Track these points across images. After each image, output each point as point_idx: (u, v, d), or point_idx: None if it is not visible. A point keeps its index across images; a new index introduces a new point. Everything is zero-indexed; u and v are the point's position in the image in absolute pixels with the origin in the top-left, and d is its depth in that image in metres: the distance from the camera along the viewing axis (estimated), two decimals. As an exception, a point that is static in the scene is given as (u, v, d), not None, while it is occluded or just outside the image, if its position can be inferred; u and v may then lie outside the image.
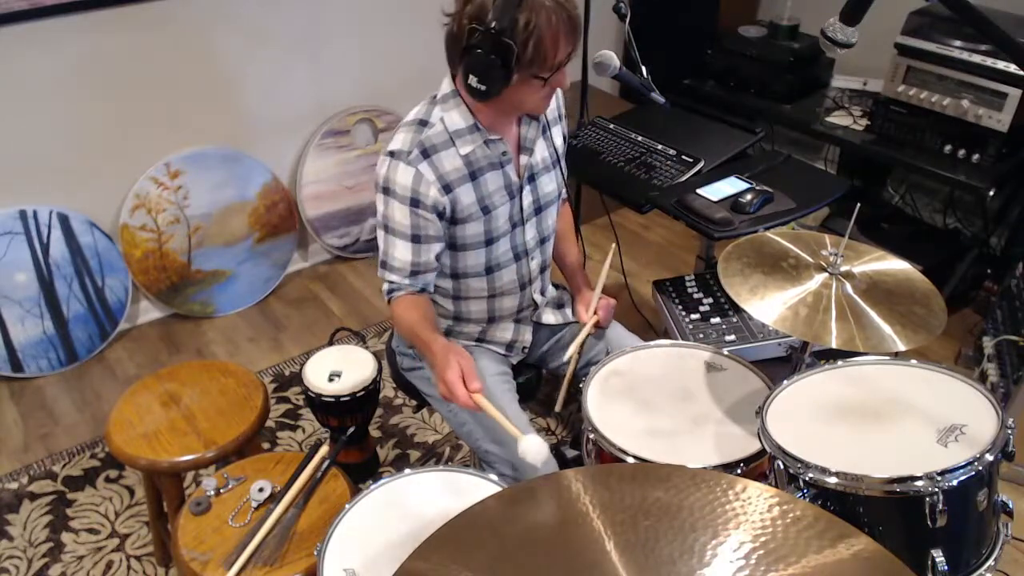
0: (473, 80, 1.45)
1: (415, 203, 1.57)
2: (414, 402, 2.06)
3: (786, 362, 2.02)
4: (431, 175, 1.57)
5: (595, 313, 1.82)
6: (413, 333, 1.60)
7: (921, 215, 3.27)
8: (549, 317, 1.91)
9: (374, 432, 2.53)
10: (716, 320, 2.11)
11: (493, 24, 1.38)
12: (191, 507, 1.60)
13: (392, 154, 1.58)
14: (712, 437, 1.53)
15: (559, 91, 1.79)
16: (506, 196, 1.67)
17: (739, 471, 1.44)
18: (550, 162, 1.75)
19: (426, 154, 1.57)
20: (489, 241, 1.69)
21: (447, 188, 1.59)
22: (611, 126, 2.49)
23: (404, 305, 1.64)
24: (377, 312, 3.11)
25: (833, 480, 1.25)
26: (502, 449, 1.69)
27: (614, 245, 2.00)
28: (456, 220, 1.64)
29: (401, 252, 1.61)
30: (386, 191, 1.58)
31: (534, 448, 1.32)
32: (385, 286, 1.67)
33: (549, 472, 1.57)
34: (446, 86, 1.60)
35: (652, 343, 1.79)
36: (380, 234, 1.64)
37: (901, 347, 1.40)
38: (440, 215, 1.60)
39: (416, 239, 1.60)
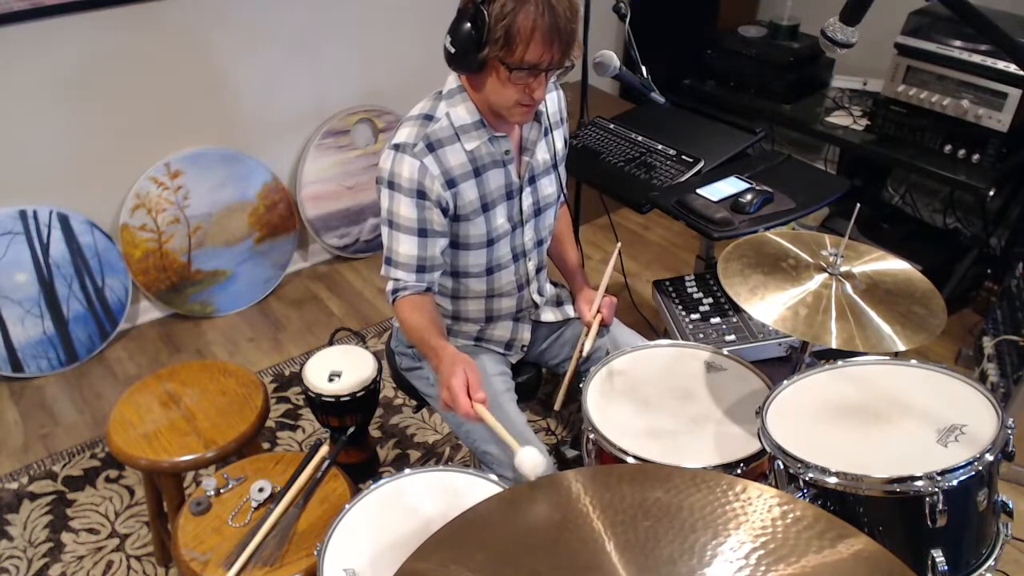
0: (447, 41, 1.47)
1: (421, 195, 1.56)
2: (414, 402, 2.06)
3: (786, 362, 2.02)
4: (436, 169, 1.56)
5: (599, 312, 1.82)
6: (421, 339, 1.58)
7: (921, 215, 3.27)
8: (548, 315, 1.91)
9: (374, 432, 2.53)
10: (716, 320, 2.11)
11: None
12: (191, 507, 1.60)
13: (397, 147, 1.57)
14: (712, 437, 1.52)
15: (561, 94, 1.79)
16: (505, 195, 1.67)
17: (739, 471, 1.44)
18: (550, 164, 1.75)
19: (431, 148, 1.57)
20: (491, 241, 1.69)
21: (451, 183, 1.59)
22: (611, 126, 2.49)
23: (409, 306, 1.62)
24: (377, 312, 3.11)
25: (833, 480, 1.25)
26: (501, 450, 1.68)
27: (618, 246, 2.00)
28: (458, 217, 1.64)
29: (407, 247, 1.60)
30: (391, 185, 1.57)
31: (529, 461, 1.23)
32: (390, 285, 1.64)
33: (549, 473, 1.57)
34: (452, 82, 1.60)
35: (652, 343, 1.78)
36: (384, 230, 1.62)
37: (901, 347, 1.40)
38: (444, 211, 1.60)
39: (423, 233, 1.59)
